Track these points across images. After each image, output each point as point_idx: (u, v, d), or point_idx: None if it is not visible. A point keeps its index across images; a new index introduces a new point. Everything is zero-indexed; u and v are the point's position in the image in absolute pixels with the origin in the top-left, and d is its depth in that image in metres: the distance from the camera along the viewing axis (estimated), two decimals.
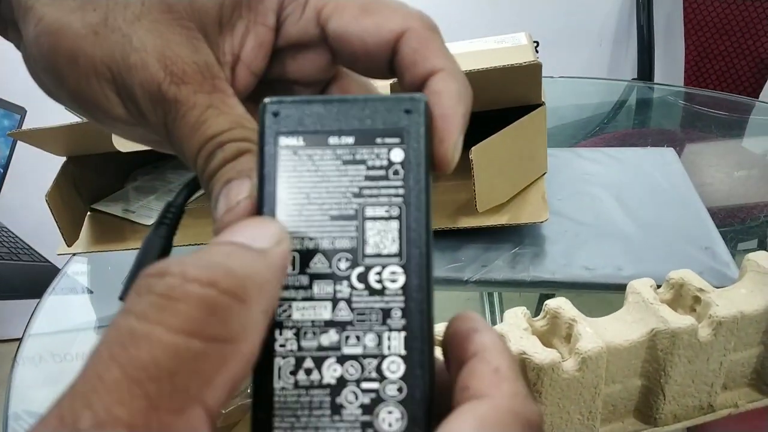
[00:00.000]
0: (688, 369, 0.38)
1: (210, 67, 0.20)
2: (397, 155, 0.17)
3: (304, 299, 0.17)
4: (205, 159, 0.19)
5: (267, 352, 0.16)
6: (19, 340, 0.63)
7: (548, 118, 0.61)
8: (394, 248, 0.17)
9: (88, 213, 0.69)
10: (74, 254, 0.68)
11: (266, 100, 0.18)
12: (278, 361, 0.16)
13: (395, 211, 0.17)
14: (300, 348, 0.17)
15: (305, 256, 0.17)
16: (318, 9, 0.20)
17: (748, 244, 0.74)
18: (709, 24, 1.23)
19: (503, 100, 0.54)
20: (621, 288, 0.46)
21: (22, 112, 1.41)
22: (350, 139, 0.17)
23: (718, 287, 0.46)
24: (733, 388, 0.41)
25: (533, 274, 0.52)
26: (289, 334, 0.17)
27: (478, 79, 0.49)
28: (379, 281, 0.17)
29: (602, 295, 0.52)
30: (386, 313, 0.16)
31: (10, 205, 1.49)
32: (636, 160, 0.68)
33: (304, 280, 0.17)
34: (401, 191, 0.17)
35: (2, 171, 1.46)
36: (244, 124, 0.19)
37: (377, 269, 0.17)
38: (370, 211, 0.17)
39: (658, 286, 0.41)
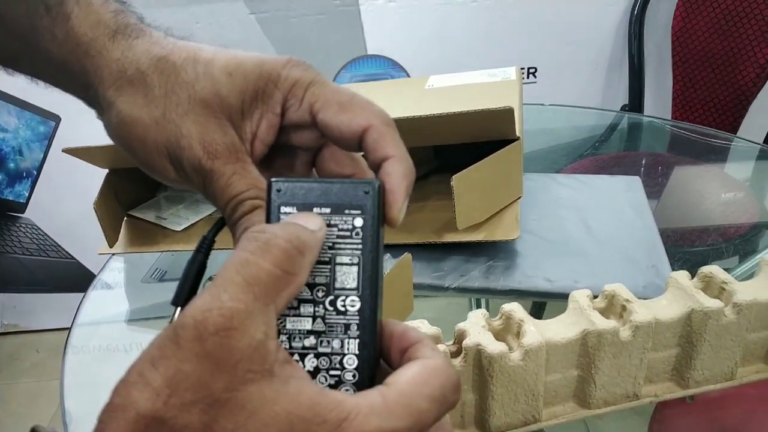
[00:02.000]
0: (613, 363, 0.47)
1: (234, 145, 0.28)
2: (359, 222, 0.25)
3: (294, 315, 0.24)
4: (231, 210, 0.28)
5: (276, 324, 0.22)
6: (68, 329, 0.73)
7: (542, 140, 0.69)
8: (353, 284, 0.24)
9: (125, 218, 0.79)
10: (114, 254, 0.78)
11: (272, 179, 0.25)
12: None
13: (356, 260, 0.24)
14: (291, 347, 0.24)
15: None
16: (311, 103, 0.29)
17: (728, 262, 0.82)
18: (695, 55, 1.31)
19: (483, 135, 0.64)
20: None
21: (56, 119, 1.53)
22: (328, 210, 0.25)
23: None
24: (656, 381, 0.51)
25: (503, 284, 0.62)
26: (283, 337, 0.24)
27: (460, 119, 0.59)
28: (344, 306, 0.24)
29: (560, 303, 0.61)
30: (347, 327, 0.24)
31: (40, 205, 1.60)
32: (604, 186, 0.77)
33: (295, 303, 0.24)
34: (360, 246, 0.25)
35: (36, 174, 1.58)
36: (258, 185, 0.28)
37: (342, 298, 0.24)
38: (339, 259, 0.24)
39: (596, 296, 0.50)
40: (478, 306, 0.70)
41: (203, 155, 0.28)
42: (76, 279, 1.70)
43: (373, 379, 0.24)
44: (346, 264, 0.24)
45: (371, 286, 0.24)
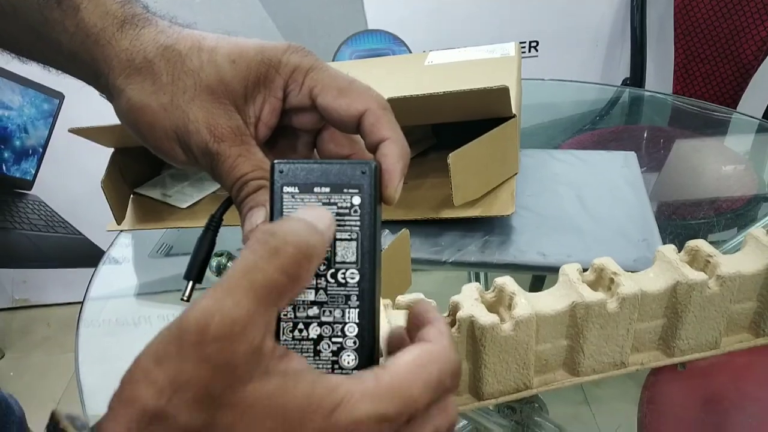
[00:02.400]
0: (601, 333, 0.49)
1: (239, 128, 0.30)
2: (357, 200, 0.26)
3: None
4: (236, 191, 0.30)
5: (276, 320, 0.23)
6: (81, 303, 0.76)
7: (542, 114, 0.70)
8: (353, 258, 0.26)
9: (132, 196, 0.81)
10: (122, 230, 0.80)
11: (275, 161, 0.27)
12: (282, 324, 0.26)
13: (354, 235, 0.26)
14: (296, 317, 0.26)
15: None
16: (310, 88, 0.31)
17: (725, 234, 0.84)
18: (697, 28, 1.31)
19: (479, 114, 0.65)
20: None
21: (60, 96, 1.54)
22: (327, 189, 0.26)
23: None
24: (642, 350, 0.53)
25: (499, 258, 0.64)
26: (288, 308, 0.26)
27: (457, 98, 0.60)
28: (344, 278, 0.26)
29: (555, 276, 0.63)
30: (347, 298, 0.26)
31: (47, 182, 1.62)
32: (600, 162, 0.78)
33: None
34: (358, 223, 0.26)
35: (42, 151, 1.60)
36: (262, 167, 0.30)
37: (342, 271, 0.26)
38: (339, 235, 0.26)
39: (586, 269, 0.52)
40: (477, 280, 0.72)
41: (210, 139, 0.30)
42: (85, 254, 1.74)
43: (373, 346, 0.26)
44: (346, 239, 0.26)
45: (369, 259, 0.26)
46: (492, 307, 0.50)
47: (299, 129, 0.33)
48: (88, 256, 1.73)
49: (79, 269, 1.76)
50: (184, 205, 0.78)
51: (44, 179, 1.62)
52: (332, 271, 0.26)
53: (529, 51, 1.47)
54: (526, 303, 0.47)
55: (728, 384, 0.60)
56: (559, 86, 1.33)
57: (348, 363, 0.26)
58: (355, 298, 0.26)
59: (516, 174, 0.70)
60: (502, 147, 0.67)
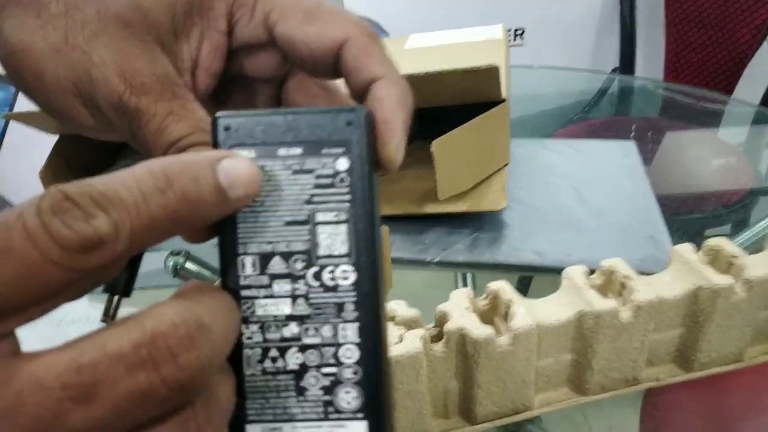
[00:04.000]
0: (612, 346, 0.42)
1: (168, 76, 0.22)
2: (342, 164, 0.19)
3: (266, 297, 0.19)
4: None
5: (236, 344, 0.18)
6: None
7: (530, 105, 0.64)
8: (344, 249, 0.19)
9: None
10: None
11: (218, 114, 0.19)
12: (246, 352, 0.19)
13: (343, 216, 0.19)
14: (265, 339, 0.19)
15: (264, 258, 0.19)
16: (265, 14, 0.22)
17: (721, 230, 0.78)
18: (689, 16, 1.26)
19: (466, 97, 0.58)
20: None
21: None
22: (298, 150, 0.19)
23: (655, 272, 0.51)
24: (657, 363, 0.46)
25: (490, 257, 0.56)
26: (254, 327, 0.19)
27: (441, 79, 0.53)
28: (333, 278, 0.19)
29: (550, 277, 0.56)
30: (340, 307, 0.19)
31: (5, 175, 1.52)
32: (597, 152, 0.72)
33: (264, 279, 0.19)
34: (348, 197, 0.19)
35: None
36: (203, 128, 0.21)
37: (330, 268, 0.19)
38: (320, 216, 0.19)
39: (592, 272, 0.45)
40: (465, 282, 0.65)
41: (124, 90, 0.21)
42: None
43: (382, 376, 0.19)
44: (331, 222, 0.19)
45: (368, 248, 0.19)
46: (485, 317, 0.43)
47: (255, 77, 0.25)
48: None
49: None
50: None
51: (4, 173, 1.52)
52: (315, 269, 0.19)
53: (515, 39, 1.41)
54: (526, 313, 0.40)
55: (739, 392, 0.54)
56: (546, 74, 1.27)
57: (348, 404, 0.19)
58: (352, 306, 0.19)
59: (507, 164, 0.63)
60: (492, 134, 0.60)
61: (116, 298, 0.27)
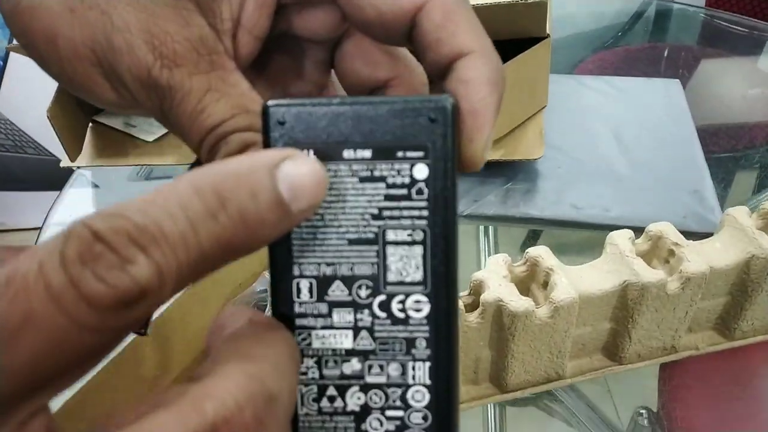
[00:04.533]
0: (654, 317, 0.40)
1: (205, 42, 0.18)
2: (421, 172, 0.16)
3: (324, 327, 0.16)
4: (207, 152, 0.18)
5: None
6: (39, 229, 0.67)
7: (561, 28, 0.58)
8: (418, 275, 0.16)
9: (90, 125, 0.69)
10: (78, 167, 0.69)
11: (269, 103, 0.16)
12: (301, 389, 0.17)
13: (419, 235, 0.16)
14: (322, 376, 0.16)
15: (323, 282, 0.16)
16: None
17: (747, 174, 0.74)
18: None
19: (507, 33, 0.53)
20: (606, 228, 0.48)
21: None
22: (367, 153, 0.16)
23: (699, 232, 0.48)
24: (697, 331, 0.44)
25: (523, 211, 0.54)
26: (310, 362, 0.16)
27: (481, 13, 0.48)
28: (403, 310, 0.16)
29: (589, 232, 0.54)
30: (410, 343, 0.16)
31: (13, 101, 1.48)
32: (639, 91, 0.67)
33: (323, 308, 0.16)
34: (425, 213, 0.16)
35: (2, 63, 1.44)
36: (249, 107, 0.18)
37: (400, 297, 0.16)
38: (391, 235, 0.16)
39: (642, 231, 0.42)
40: (486, 234, 0.62)
41: (153, 61, 0.18)
42: (58, 177, 1.62)
43: (454, 423, 0.17)
44: (404, 243, 0.16)
45: (446, 276, 0.16)
46: (522, 284, 0.41)
47: (306, 38, 0.21)
48: (63, 178, 1.61)
49: (53, 193, 1.65)
50: (151, 139, 0.67)
51: (9, 97, 1.48)
52: (382, 298, 0.16)
53: None
54: (568, 284, 0.38)
55: (762, 359, 0.53)
56: None
57: None
58: (424, 343, 0.16)
59: (544, 107, 0.59)
60: (532, 74, 0.55)
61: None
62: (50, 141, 1.56)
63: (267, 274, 0.45)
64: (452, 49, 0.17)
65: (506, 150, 0.55)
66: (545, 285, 0.40)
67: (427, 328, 0.16)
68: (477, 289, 0.39)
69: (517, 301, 0.37)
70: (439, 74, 0.18)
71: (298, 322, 0.17)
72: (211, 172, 0.14)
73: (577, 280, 0.39)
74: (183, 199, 0.13)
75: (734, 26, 1.04)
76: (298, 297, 0.16)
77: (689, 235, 0.41)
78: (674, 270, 0.40)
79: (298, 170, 0.14)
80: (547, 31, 0.53)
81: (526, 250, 0.40)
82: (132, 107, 0.19)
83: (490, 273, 0.39)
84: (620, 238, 0.41)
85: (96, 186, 0.80)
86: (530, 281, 0.41)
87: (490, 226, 0.58)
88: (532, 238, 0.64)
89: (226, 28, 0.19)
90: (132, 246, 0.12)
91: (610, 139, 0.60)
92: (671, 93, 0.66)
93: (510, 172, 0.57)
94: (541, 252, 0.40)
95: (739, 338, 0.44)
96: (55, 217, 0.74)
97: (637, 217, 0.51)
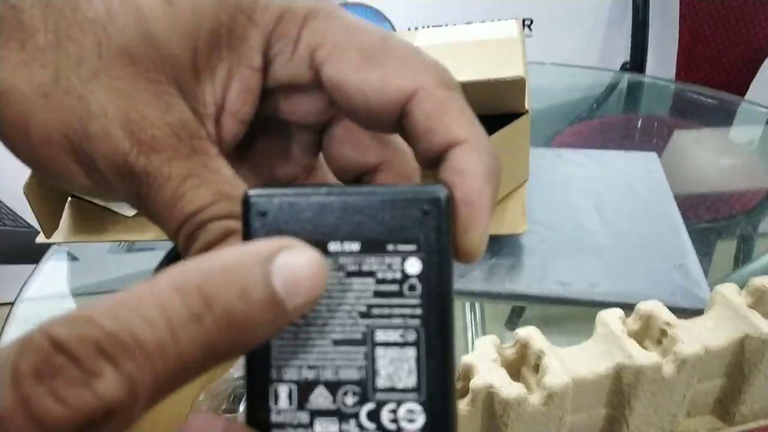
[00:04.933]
0: (651, 401, 0.39)
1: (186, 127, 0.17)
2: (414, 266, 0.15)
3: None
4: (185, 239, 0.17)
5: None
6: (11, 304, 0.65)
7: (536, 101, 0.60)
8: (411, 381, 0.15)
9: (69, 198, 0.68)
10: (54, 244, 0.67)
11: (249, 192, 0.15)
12: None
13: (412, 336, 0.15)
14: None
15: (304, 388, 0.15)
16: (311, 49, 0.17)
17: (726, 244, 0.74)
18: (704, 10, 1.21)
19: (486, 109, 0.53)
20: (594, 305, 0.47)
21: None
22: (355, 246, 0.15)
23: (689, 308, 0.48)
24: (695, 415, 0.43)
25: (508, 287, 0.53)
26: None
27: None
28: (394, 420, 0.15)
29: (576, 309, 0.53)
30: None
31: None
32: (618, 164, 0.68)
33: (304, 417, 0.15)
34: (419, 311, 0.15)
35: None
36: (231, 194, 0.17)
37: (391, 406, 0.15)
38: (381, 336, 0.15)
39: (633, 306, 0.41)
40: (473, 310, 0.60)
41: (130, 148, 0.16)
42: (36, 249, 1.59)
43: None
44: (395, 344, 0.15)
45: (443, 382, 0.15)
46: (512, 366, 0.39)
47: (292, 122, 0.20)
48: (41, 250, 1.58)
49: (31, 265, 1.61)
50: (131, 213, 0.65)
51: None
52: (370, 406, 0.15)
53: (523, 30, 1.36)
54: (560, 367, 0.36)
55: None
56: (553, 70, 1.22)
57: None
58: None
59: (526, 181, 0.59)
60: (512, 149, 0.56)
61: None
62: (29, 213, 1.54)
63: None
64: (445, 138, 0.16)
65: None
66: (536, 368, 0.38)
67: None
68: (466, 374, 0.37)
69: (508, 388, 0.35)
70: (431, 163, 0.17)
71: None
72: (194, 268, 0.12)
73: (569, 363, 0.37)
74: (162, 301, 0.12)
75: (705, 97, 1.08)
76: (276, 404, 0.15)
77: (679, 312, 0.40)
78: (668, 351, 0.38)
79: (295, 261, 0.13)
80: (526, 107, 0.54)
81: (515, 331, 0.39)
82: (107, 193, 0.18)
83: (480, 356, 0.37)
84: (611, 318, 0.40)
85: (75, 258, 0.78)
86: (521, 364, 0.40)
87: (476, 302, 0.57)
88: (518, 314, 0.62)
89: (209, 112, 0.18)
90: (100, 358, 0.11)
91: (591, 212, 0.60)
92: (649, 166, 0.67)
93: (494, 246, 0.56)
94: (530, 333, 0.39)
95: (739, 422, 0.42)
96: (29, 291, 0.72)
97: (624, 293, 0.51)
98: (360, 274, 0.15)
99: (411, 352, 0.15)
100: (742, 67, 1.20)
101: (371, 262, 0.15)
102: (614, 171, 0.67)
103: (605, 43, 1.39)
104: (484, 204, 0.16)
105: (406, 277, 0.15)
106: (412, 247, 0.15)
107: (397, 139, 0.19)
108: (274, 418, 0.15)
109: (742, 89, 1.22)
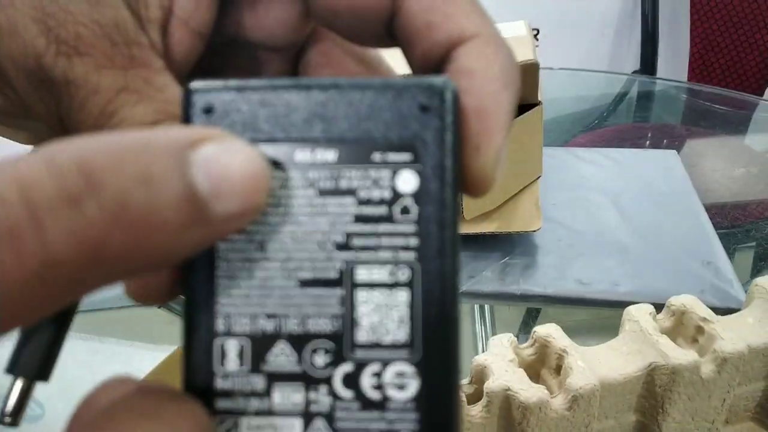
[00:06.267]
0: (688, 406, 0.34)
1: (122, 28, 0.14)
2: (409, 182, 0.11)
3: (260, 413, 0.11)
4: None
5: None
6: None
7: (546, 110, 0.57)
8: (401, 334, 0.11)
9: None
10: None
11: (192, 85, 0.12)
12: None
13: (404, 275, 0.11)
14: None
15: (260, 344, 0.11)
16: None
17: (744, 253, 0.70)
18: (716, 15, 1.18)
19: None
20: (617, 305, 0.43)
21: None
22: (330, 154, 0.11)
23: (720, 308, 0.43)
24: (734, 422, 0.38)
25: (523, 288, 0.49)
26: None
27: None
28: (378, 387, 0.11)
29: (597, 311, 0.49)
30: None
31: None
32: (636, 162, 0.64)
33: (259, 382, 0.11)
34: (414, 241, 0.11)
35: None
36: (176, 114, 0.13)
37: (375, 368, 0.11)
38: (363, 274, 0.11)
39: (659, 306, 0.37)
40: (482, 313, 0.56)
41: (46, 46, 0.13)
42: None
43: None
44: (383, 285, 0.11)
45: (445, 336, 0.11)
46: (531, 368, 0.35)
47: (262, 44, 0.16)
48: None
49: None
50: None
51: None
52: (347, 368, 0.11)
53: (531, 30, 1.34)
54: (585, 367, 0.32)
55: None
56: (563, 76, 1.20)
57: None
58: None
59: (539, 177, 0.55)
60: (524, 142, 0.52)
61: (19, 383, 0.17)
62: None
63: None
64: (449, 34, 0.13)
65: (501, 222, 0.51)
66: (558, 370, 0.34)
67: (414, 416, 0.11)
68: (479, 376, 0.33)
69: (528, 390, 0.31)
70: (435, 65, 0.13)
71: (220, 403, 0.11)
72: (80, 143, 0.09)
73: (594, 363, 0.33)
74: (25, 179, 0.08)
75: (717, 105, 1.04)
76: (222, 365, 0.11)
77: (725, 316, 0.36)
78: (706, 350, 0.34)
79: (227, 157, 0.10)
80: (539, 98, 0.51)
81: (534, 329, 0.35)
82: (17, 114, 0.15)
83: (494, 357, 0.34)
84: (640, 314, 0.36)
85: None
86: (540, 366, 0.36)
87: (486, 305, 0.53)
88: (533, 318, 0.58)
89: (153, 16, 0.14)
90: None
91: (610, 209, 0.57)
92: (670, 163, 0.64)
93: (506, 246, 0.52)
94: (551, 331, 0.35)
95: None
96: None
97: (650, 292, 0.47)
98: (336, 192, 0.11)
99: (403, 297, 0.11)
100: (756, 72, 1.17)
101: (351, 177, 0.11)
102: (632, 169, 0.63)
103: (614, 52, 1.36)
104: (501, 114, 0.12)
105: (397, 196, 0.11)
106: (406, 157, 0.11)
107: (385, 63, 0.16)
108: (220, 383, 0.11)
109: (756, 96, 1.19)
